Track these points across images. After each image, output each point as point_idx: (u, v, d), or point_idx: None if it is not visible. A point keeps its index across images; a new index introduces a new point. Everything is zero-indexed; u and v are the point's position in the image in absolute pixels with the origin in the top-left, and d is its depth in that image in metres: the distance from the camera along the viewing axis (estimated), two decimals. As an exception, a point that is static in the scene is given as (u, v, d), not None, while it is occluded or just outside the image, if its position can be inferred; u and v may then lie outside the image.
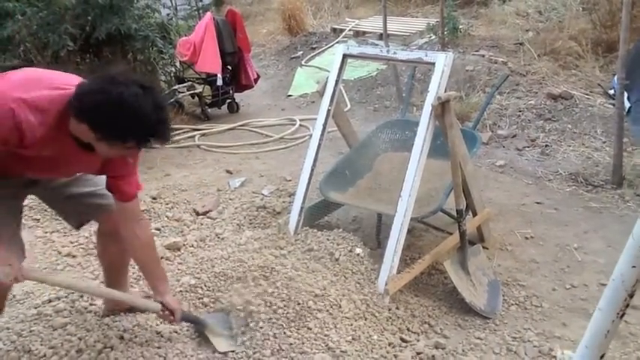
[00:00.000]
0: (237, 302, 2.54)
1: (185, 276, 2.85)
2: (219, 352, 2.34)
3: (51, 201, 2.40)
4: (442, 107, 2.77)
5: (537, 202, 4.02)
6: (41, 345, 2.33)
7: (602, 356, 1.42)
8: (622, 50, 4.03)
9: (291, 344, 2.38)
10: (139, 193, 2.22)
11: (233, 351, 2.35)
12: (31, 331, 2.41)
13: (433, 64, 2.89)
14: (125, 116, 1.77)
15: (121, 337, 2.36)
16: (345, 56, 3.23)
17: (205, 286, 2.76)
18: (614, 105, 4.45)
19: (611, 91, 5.49)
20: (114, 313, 2.52)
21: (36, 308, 2.58)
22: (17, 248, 2.14)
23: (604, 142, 4.86)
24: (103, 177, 2.18)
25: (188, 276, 2.84)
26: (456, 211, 2.94)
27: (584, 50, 6.34)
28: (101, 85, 1.79)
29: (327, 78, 3.27)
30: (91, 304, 2.59)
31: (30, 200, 3.71)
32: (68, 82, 1.90)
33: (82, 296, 2.64)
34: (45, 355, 2.28)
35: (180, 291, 2.73)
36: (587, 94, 5.65)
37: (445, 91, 2.84)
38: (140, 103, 1.78)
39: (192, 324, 2.48)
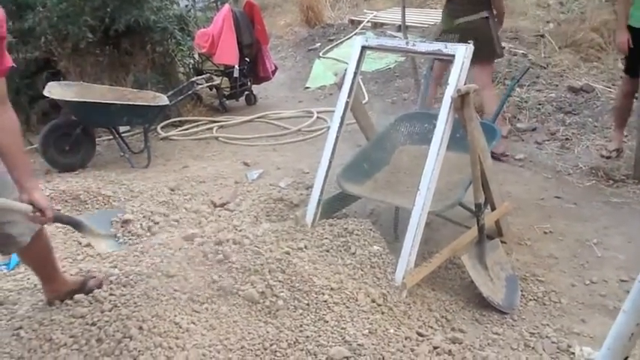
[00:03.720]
0: (258, 288, 2.55)
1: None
2: (100, 254, 2.27)
3: None
4: (462, 100, 2.74)
5: (557, 197, 3.97)
6: (62, 334, 2.36)
7: (625, 359, 1.40)
8: (645, 42, 3.96)
9: (307, 337, 2.39)
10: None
11: (113, 251, 2.28)
12: (52, 320, 2.44)
13: (453, 56, 2.86)
14: None
15: (140, 328, 2.38)
16: (363, 48, 3.21)
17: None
18: (636, 98, 4.38)
19: (634, 84, 5.39)
20: (57, 298, 2.55)
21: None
22: None
23: (626, 136, 4.79)
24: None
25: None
26: (475, 205, 2.92)
27: (606, 42, 6.25)
28: None
29: (346, 70, 3.25)
30: (110, 294, 2.62)
31: (51, 191, 3.77)
32: None
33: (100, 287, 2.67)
34: (65, 344, 2.31)
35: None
36: (608, 87, 5.57)
37: (465, 84, 2.82)
38: None
39: (67, 225, 2.36)
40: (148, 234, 3.40)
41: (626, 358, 1.39)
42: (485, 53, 4.24)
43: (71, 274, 2.79)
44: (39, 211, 2.06)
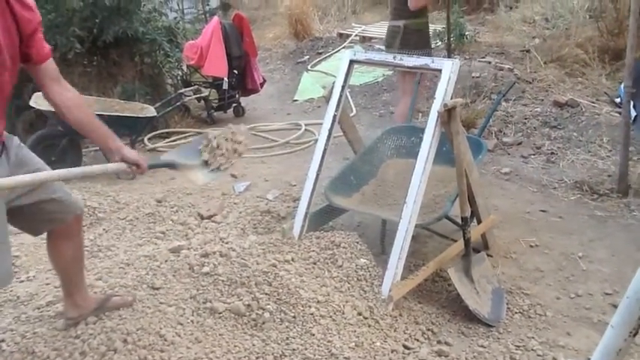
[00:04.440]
0: (244, 300, 2.55)
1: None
2: (200, 184, 2.28)
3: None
4: (448, 114, 2.77)
5: (542, 210, 4.00)
6: (45, 347, 2.33)
7: None
8: (629, 58, 4.02)
9: (294, 349, 2.38)
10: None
11: (212, 180, 2.29)
12: (34, 333, 2.41)
13: (440, 70, 2.89)
14: None
15: (125, 340, 2.36)
16: (352, 62, 3.23)
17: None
18: (620, 113, 4.44)
19: (618, 100, 5.48)
20: (78, 320, 2.46)
21: (39, 309, 2.59)
22: None
23: (610, 151, 4.85)
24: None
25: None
26: (461, 218, 2.93)
27: (591, 58, 6.34)
28: None
29: (334, 83, 3.27)
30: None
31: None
32: None
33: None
34: (49, 357, 2.28)
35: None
36: (593, 102, 5.64)
37: (451, 98, 2.84)
38: None
39: (162, 167, 2.48)
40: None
41: None
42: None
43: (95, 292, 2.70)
44: (134, 165, 2.18)
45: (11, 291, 2.84)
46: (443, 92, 2.83)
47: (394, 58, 3.20)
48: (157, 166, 2.41)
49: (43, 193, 2.16)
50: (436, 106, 2.82)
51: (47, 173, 2.04)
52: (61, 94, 2.12)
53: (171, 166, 2.42)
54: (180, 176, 2.40)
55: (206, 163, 2.40)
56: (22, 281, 3.01)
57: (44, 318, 2.53)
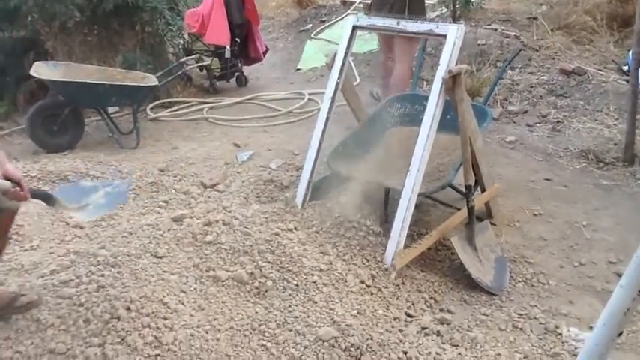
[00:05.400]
0: (247, 269, 2.54)
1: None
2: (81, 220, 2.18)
3: None
4: (453, 80, 2.73)
5: (547, 179, 3.98)
6: (49, 314, 2.34)
7: (619, 334, 1.40)
8: (638, 25, 3.95)
9: (296, 317, 2.39)
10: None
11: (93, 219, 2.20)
12: (39, 301, 2.42)
13: (444, 36, 2.84)
14: None
15: (128, 308, 2.37)
16: (354, 28, 3.18)
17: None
18: (627, 81, 4.37)
19: (625, 67, 5.40)
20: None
21: (43, 278, 2.60)
22: None
23: (616, 119, 4.80)
24: None
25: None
26: (465, 186, 2.91)
27: (599, 25, 6.23)
28: None
29: (337, 50, 3.22)
30: (101, 276, 2.60)
31: (38, 172, 3.73)
32: None
33: (88, 268, 2.65)
34: (53, 325, 2.30)
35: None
36: (600, 70, 5.57)
37: (456, 65, 2.80)
38: None
39: (39, 199, 2.27)
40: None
41: (620, 333, 1.40)
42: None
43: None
44: (17, 185, 1.94)
45: (16, 259, 2.85)
46: (447, 58, 2.79)
47: (398, 23, 3.14)
48: (39, 196, 2.22)
49: None
50: (440, 73, 2.78)
51: None
52: None
53: (52, 201, 2.25)
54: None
55: (87, 205, 2.27)
56: (26, 250, 3.01)
57: (48, 286, 2.53)
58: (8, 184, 1.90)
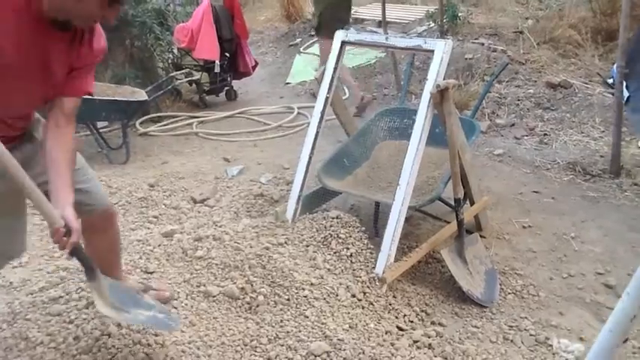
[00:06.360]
0: (238, 284, 2.54)
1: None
2: (99, 310, 2.00)
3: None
4: (441, 95, 2.75)
5: (535, 191, 4.01)
6: (38, 332, 2.32)
7: (625, 340, 1.42)
8: (622, 38, 4.01)
9: (288, 332, 2.38)
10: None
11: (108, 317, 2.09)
12: (27, 319, 2.40)
13: (432, 51, 2.87)
14: None
15: (119, 325, 2.35)
16: (343, 43, 3.21)
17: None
18: (613, 94, 4.44)
19: (610, 80, 5.47)
20: None
21: (32, 295, 2.58)
22: None
23: (602, 132, 4.85)
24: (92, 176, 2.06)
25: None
26: (454, 199, 2.93)
27: (584, 39, 6.31)
28: None
29: (326, 65, 3.24)
30: (89, 293, 2.59)
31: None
32: None
33: (78, 284, 2.63)
34: (42, 342, 2.28)
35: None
36: (586, 83, 5.64)
37: (444, 79, 2.83)
38: None
39: (82, 264, 2.04)
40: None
41: (626, 339, 1.41)
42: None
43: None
44: (67, 229, 1.88)
45: (4, 277, 2.82)
46: (435, 73, 2.82)
47: (386, 39, 3.17)
48: (80, 257, 2.00)
49: (79, 183, 2.10)
50: (429, 87, 2.81)
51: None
52: (58, 130, 1.98)
53: (91, 273, 2.03)
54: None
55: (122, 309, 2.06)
56: (14, 267, 2.99)
57: (37, 303, 2.51)
58: (62, 223, 1.86)
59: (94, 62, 2.04)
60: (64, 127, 2.01)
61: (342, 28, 3.36)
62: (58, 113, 2.00)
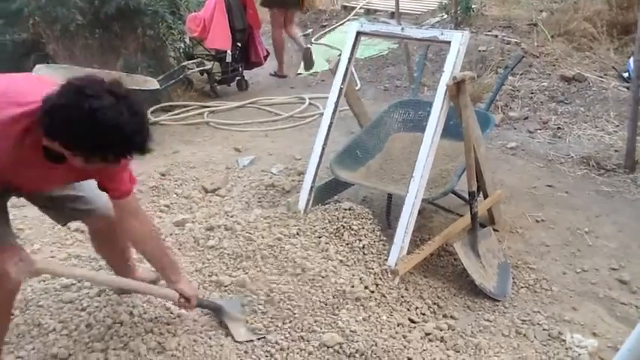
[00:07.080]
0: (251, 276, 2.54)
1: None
2: (238, 341, 2.28)
3: (33, 199, 2.21)
4: (457, 87, 2.73)
5: (548, 185, 3.98)
6: (50, 319, 2.34)
7: None
8: (638, 32, 3.95)
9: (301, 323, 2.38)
10: (134, 186, 2.10)
11: (251, 340, 2.30)
12: (40, 305, 2.41)
13: (449, 42, 2.84)
14: (100, 132, 1.61)
15: (131, 313, 2.36)
16: (358, 34, 3.18)
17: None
18: (628, 88, 4.38)
19: (626, 74, 5.41)
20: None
21: (45, 282, 2.59)
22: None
23: (617, 126, 4.80)
24: (86, 181, 2.08)
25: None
26: (469, 192, 2.91)
27: (599, 32, 6.24)
28: (70, 98, 1.61)
29: (340, 55, 3.22)
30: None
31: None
32: (36, 93, 1.69)
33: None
34: (54, 329, 2.29)
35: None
36: (600, 77, 5.58)
37: (460, 71, 2.80)
38: (114, 115, 1.61)
39: (209, 309, 2.42)
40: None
41: None
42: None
43: None
44: (185, 298, 2.23)
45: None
46: (452, 65, 2.79)
47: (402, 30, 3.14)
48: (205, 306, 2.39)
49: (72, 189, 2.17)
50: (445, 79, 2.78)
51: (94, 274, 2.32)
52: (136, 229, 2.10)
53: (218, 311, 2.40)
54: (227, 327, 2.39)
55: (246, 321, 2.37)
56: (26, 254, 3.00)
57: (50, 290, 2.52)
58: (176, 295, 2.23)
59: (124, 168, 2.01)
60: (138, 224, 2.10)
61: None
62: (127, 216, 2.09)
